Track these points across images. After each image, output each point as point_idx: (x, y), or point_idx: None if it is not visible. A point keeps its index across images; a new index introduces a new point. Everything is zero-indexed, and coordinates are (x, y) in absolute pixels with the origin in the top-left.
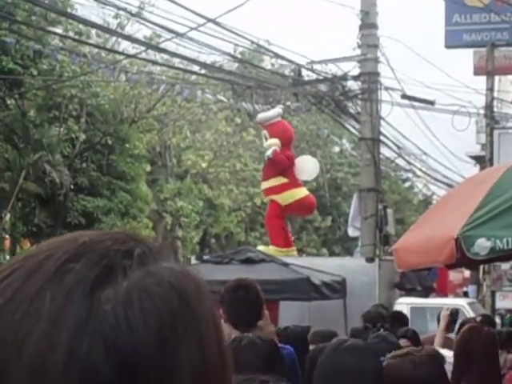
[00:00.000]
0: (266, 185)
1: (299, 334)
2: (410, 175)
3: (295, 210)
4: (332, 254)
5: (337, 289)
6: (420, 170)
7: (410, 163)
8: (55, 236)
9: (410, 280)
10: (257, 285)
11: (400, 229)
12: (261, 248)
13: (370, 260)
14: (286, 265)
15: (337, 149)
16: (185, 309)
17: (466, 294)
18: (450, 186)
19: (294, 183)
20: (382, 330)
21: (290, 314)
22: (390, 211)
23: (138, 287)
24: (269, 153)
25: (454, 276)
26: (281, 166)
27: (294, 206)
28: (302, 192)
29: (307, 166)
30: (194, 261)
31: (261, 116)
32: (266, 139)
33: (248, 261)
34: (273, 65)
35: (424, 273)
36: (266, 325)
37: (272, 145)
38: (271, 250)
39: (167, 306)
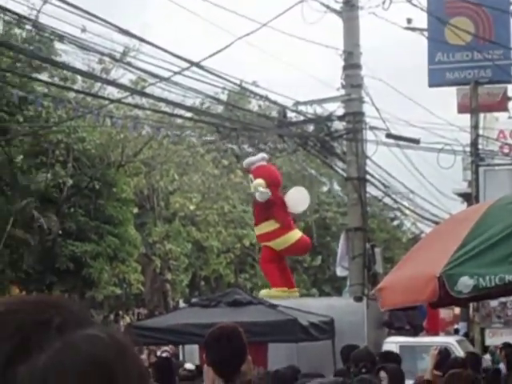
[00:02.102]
0: (258, 230)
1: (289, 376)
2: (398, 214)
3: (290, 253)
4: (322, 293)
5: (325, 329)
6: (408, 208)
7: (397, 202)
8: (44, 281)
9: (399, 318)
10: (240, 331)
11: (389, 267)
12: (263, 292)
13: (358, 299)
14: (273, 306)
15: (325, 189)
16: (105, 381)
17: (456, 332)
18: (437, 223)
19: (287, 227)
20: (363, 369)
21: (279, 355)
22: (377, 250)
23: (55, 363)
24: (259, 195)
25: (445, 313)
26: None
27: (288, 249)
28: (296, 235)
29: (298, 198)
30: (182, 304)
31: (246, 161)
32: (252, 182)
33: (235, 303)
34: (260, 106)
35: (413, 311)
36: (248, 369)
37: (257, 185)
38: (273, 292)
39: (87, 382)
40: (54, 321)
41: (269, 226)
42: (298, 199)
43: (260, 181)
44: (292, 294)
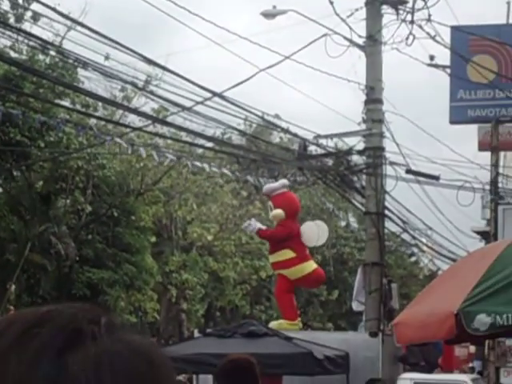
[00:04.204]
0: (273, 258)
1: None
2: (415, 250)
3: (304, 284)
4: (337, 328)
5: (340, 363)
6: (425, 245)
7: (415, 238)
8: None
9: (415, 354)
10: (253, 363)
11: (405, 303)
12: (273, 323)
13: (374, 335)
14: (289, 339)
15: (343, 223)
16: (152, 375)
17: (473, 369)
18: (455, 261)
19: (302, 257)
20: None
21: None
22: (394, 286)
23: (108, 350)
24: (250, 229)
25: (460, 351)
26: (276, 239)
27: (302, 280)
28: (311, 266)
29: (315, 232)
30: (196, 334)
31: (266, 187)
32: (271, 210)
33: (251, 334)
34: (281, 138)
35: (429, 348)
36: None
37: (276, 215)
38: (284, 324)
39: (137, 370)
40: (102, 319)
41: (284, 254)
42: (314, 233)
43: (279, 211)
44: (296, 327)
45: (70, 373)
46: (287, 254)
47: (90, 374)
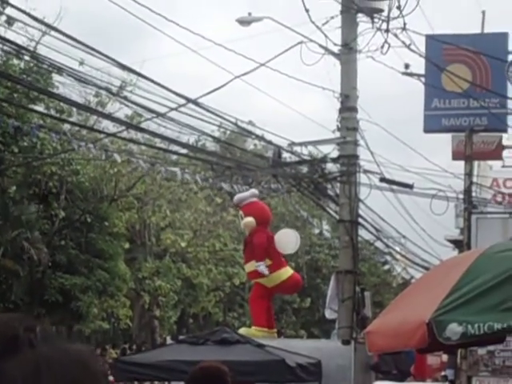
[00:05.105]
0: (249, 267)
1: None
2: (388, 258)
3: (282, 290)
4: (310, 335)
5: (312, 371)
6: (399, 253)
7: (388, 246)
8: (32, 313)
9: (387, 363)
10: (224, 371)
11: (378, 312)
12: (242, 330)
13: (346, 343)
14: (261, 346)
15: (317, 230)
16: (88, 380)
17: (445, 378)
18: (428, 269)
19: (279, 264)
20: None
21: None
22: (367, 294)
23: (45, 356)
24: (262, 269)
25: (432, 360)
26: (263, 245)
27: (280, 286)
28: (287, 272)
29: (288, 240)
30: (169, 341)
31: (236, 197)
32: (242, 219)
33: (223, 342)
34: (255, 145)
35: (401, 356)
36: None
37: (247, 223)
38: (252, 330)
39: (73, 375)
40: (37, 328)
41: None
42: (287, 241)
43: (250, 219)
44: (271, 335)
45: (8, 378)
46: (264, 262)
47: (29, 379)
